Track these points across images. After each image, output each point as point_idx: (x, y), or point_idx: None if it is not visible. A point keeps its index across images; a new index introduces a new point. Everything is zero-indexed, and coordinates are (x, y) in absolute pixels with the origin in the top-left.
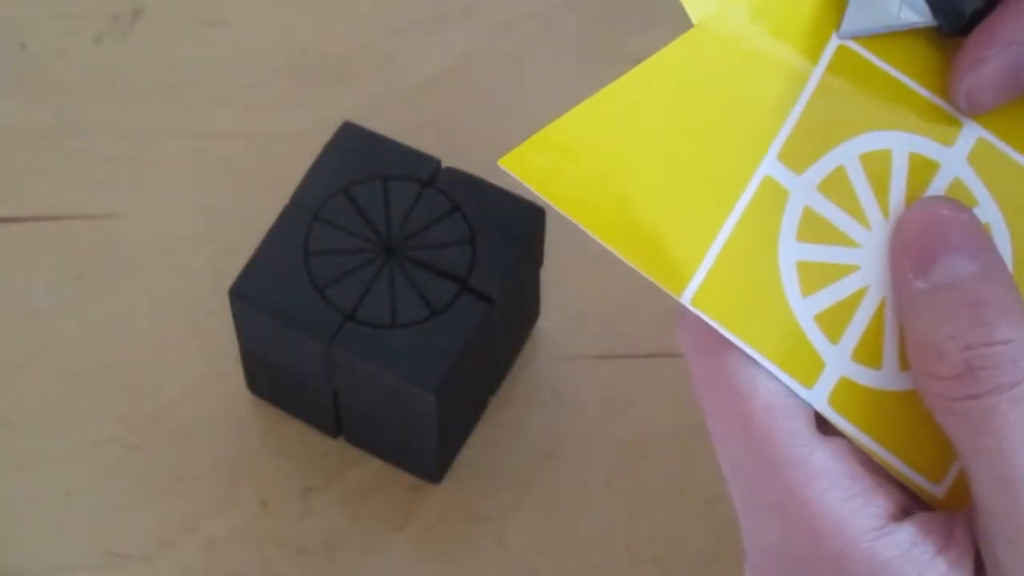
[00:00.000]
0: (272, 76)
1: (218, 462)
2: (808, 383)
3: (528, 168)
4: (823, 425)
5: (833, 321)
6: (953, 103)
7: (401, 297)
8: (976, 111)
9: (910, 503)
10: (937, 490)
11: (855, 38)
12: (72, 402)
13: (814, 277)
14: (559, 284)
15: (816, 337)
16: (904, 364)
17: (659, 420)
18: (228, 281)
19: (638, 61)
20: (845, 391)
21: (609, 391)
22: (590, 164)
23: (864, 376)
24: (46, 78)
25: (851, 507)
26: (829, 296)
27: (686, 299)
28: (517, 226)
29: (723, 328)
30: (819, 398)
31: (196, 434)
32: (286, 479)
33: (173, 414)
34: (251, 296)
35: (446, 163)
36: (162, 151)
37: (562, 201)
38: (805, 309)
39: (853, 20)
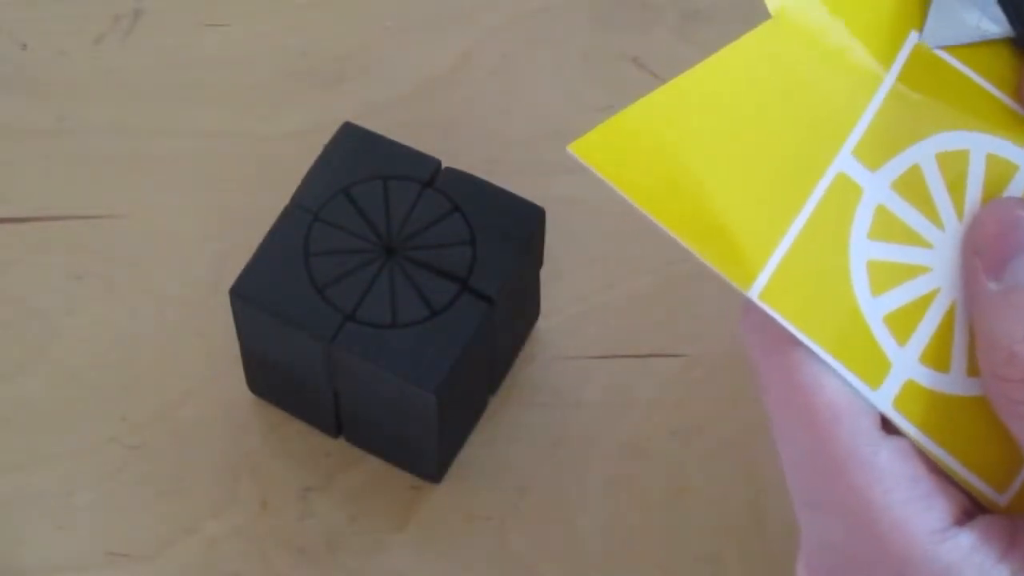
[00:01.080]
0: (272, 76)
1: (218, 462)
2: (874, 384)
3: (596, 155)
4: (887, 425)
5: (902, 322)
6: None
7: (401, 297)
8: None
9: (972, 506)
10: (1001, 499)
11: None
12: (72, 402)
13: (885, 276)
14: (559, 284)
15: (884, 338)
16: (972, 369)
17: (659, 420)
18: (228, 281)
19: (638, 61)
20: (911, 394)
21: (609, 391)
22: (660, 153)
23: (931, 379)
24: (46, 78)
25: (914, 508)
26: (900, 296)
27: (754, 294)
28: (517, 226)
29: (790, 325)
30: (885, 400)
31: (196, 434)
32: (286, 479)
33: (173, 414)
34: (251, 296)
35: (446, 163)
36: (162, 151)
37: (630, 189)
38: (875, 309)
39: (934, 32)
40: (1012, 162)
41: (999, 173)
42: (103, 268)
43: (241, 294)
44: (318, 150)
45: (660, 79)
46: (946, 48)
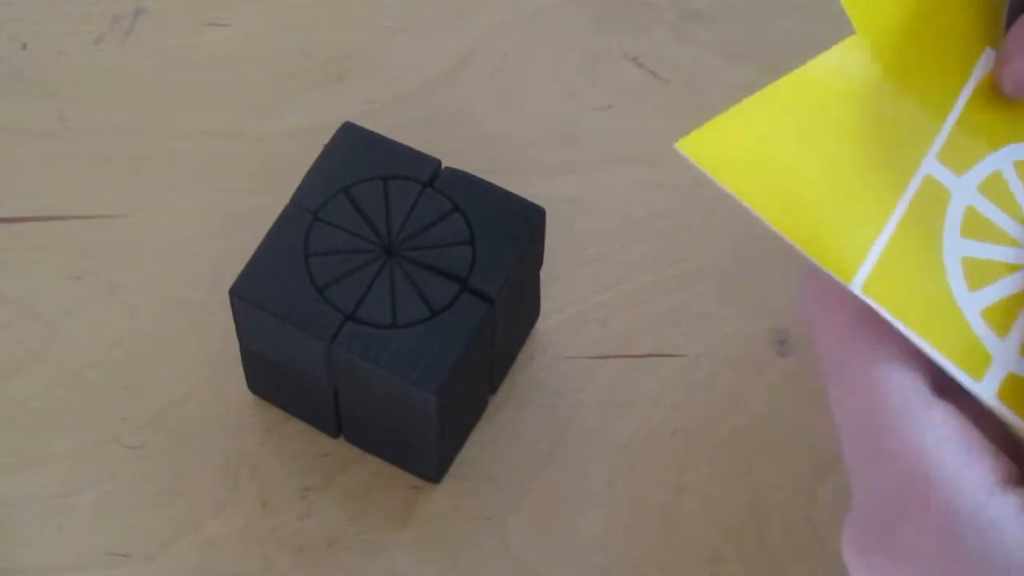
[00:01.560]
0: (272, 76)
1: (218, 462)
2: (978, 376)
3: (703, 152)
4: (941, 391)
5: (1000, 317)
6: (998, 86)
7: (401, 297)
8: (1020, 94)
9: (1023, 475)
10: None
11: None
12: (72, 402)
13: (980, 273)
14: (559, 284)
15: (983, 331)
16: None
17: (659, 420)
18: (228, 281)
19: (638, 61)
20: (1013, 385)
21: (609, 391)
22: (764, 153)
23: None
24: (46, 78)
25: (965, 462)
26: (996, 292)
27: (856, 287)
28: (517, 226)
29: (893, 317)
30: (988, 391)
31: (196, 434)
32: (286, 479)
33: (173, 414)
34: (251, 296)
35: (446, 163)
36: (162, 151)
37: (736, 186)
38: (972, 304)
39: None
40: None
41: None
42: (103, 268)
43: (241, 294)
44: (318, 150)
45: (660, 79)
46: None
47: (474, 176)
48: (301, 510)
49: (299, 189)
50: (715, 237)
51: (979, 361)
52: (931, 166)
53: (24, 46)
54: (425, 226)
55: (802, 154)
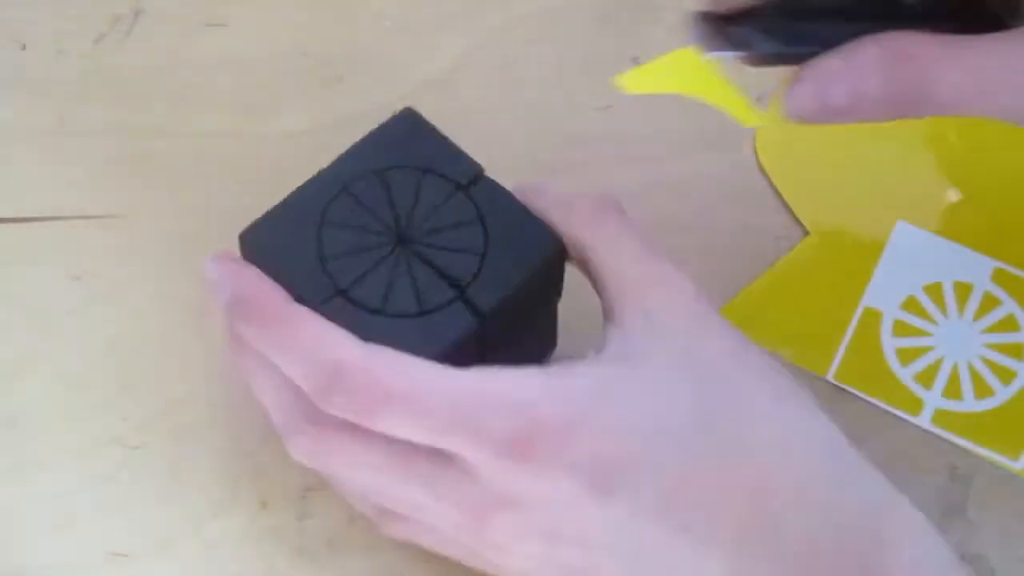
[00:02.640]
0: (272, 76)
1: (218, 462)
2: (916, 414)
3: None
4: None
5: (925, 378)
6: (784, 113)
7: (397, 287)
8: (792, 118)
9: None
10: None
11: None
12: (72, 402)
13: (908, 355)
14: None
15: (915, 387)
16: (979, 394)
17: None
18: None
19: (638, 61)
20: (941, 416)
21: None
22: (760, 316)
23: (953, 405)
24: (46, 78)
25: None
26: (920, 364)
27: (830, 376)
28: (534, 251)
29: (857, 391)
30: (924, 422)
31: (196, 434)
32: (286, 479)
33: (173, 414)
34: (256, 246)
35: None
36: (162, 151)
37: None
38: (906, 373)
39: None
40: (969, 283)
41: (964, 290)
42: (103, 268)
43: (248, 241)
44: (318, 150)
45: None
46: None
47: (510, 193)
48: (301, 510)
49: (339, 158)
50: (715, 237)
51: (915, 405)
52: (868, 299)
53: (24, 46)
54: (444, 227)
55: (784, 308)
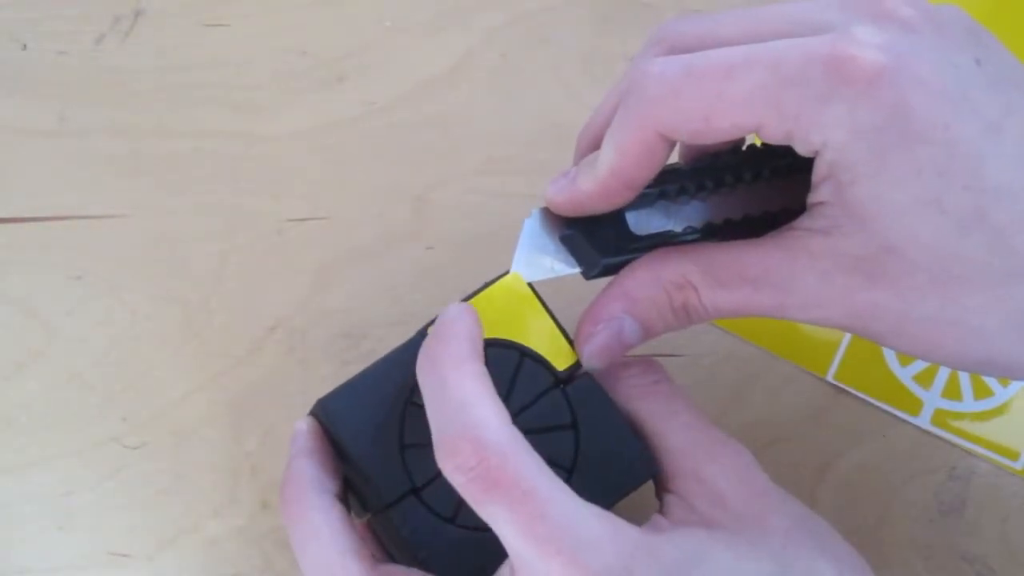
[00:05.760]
0: (272, 76)
1: (218, 462)
2: (915, 414)
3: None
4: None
5: (923, 379)
6: (584, 364)
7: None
8: (595, 369)
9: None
10: (1017, 464)
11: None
12: (72, 402)
13: (905, 356)
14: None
15: (914, 387)
16: (978, 394)
17: None
18: (229, 281)
19: None
20: (940, 416)
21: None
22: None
23: (952, 405)
24: (47, 78)
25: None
26: (918, 365)
27: (830, 376)
28: (625, 476)
29: (857, 392)
30: (924, 422)
31: (196, 434)
32: None
33: (173, 414)
34: (335, 416)
35: (446, 164)
36: (162, 151)
37: (749, 336)
38: (905, 374)
39: (520, 267)
40: None
41: None
42: (103, 268)
43: (328, 407)
44: (318, 150)
45: None
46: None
47: (609, 400)
48: None
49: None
50: None
51: (914, 405)
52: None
53: (24, 46)
54: (533, 429)
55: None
